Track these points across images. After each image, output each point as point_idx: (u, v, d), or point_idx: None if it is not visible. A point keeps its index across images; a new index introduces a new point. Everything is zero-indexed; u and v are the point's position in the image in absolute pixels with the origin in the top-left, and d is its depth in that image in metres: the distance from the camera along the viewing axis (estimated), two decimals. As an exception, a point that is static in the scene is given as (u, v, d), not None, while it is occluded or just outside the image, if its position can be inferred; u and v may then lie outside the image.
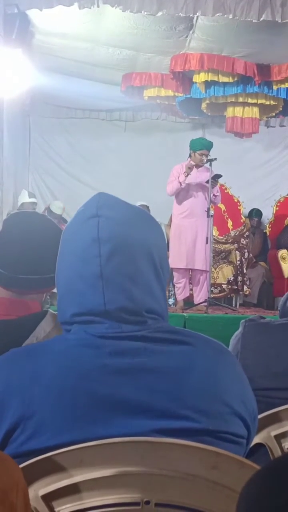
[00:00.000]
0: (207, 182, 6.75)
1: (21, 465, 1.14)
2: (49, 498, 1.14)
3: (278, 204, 9.47)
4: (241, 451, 1.26)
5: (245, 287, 8.02)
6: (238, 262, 8.09)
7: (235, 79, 7.56)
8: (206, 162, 6.86)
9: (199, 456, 1.14)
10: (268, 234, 9.38)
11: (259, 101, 8.02)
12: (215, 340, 1.32)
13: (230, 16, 5.76)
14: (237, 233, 8.61)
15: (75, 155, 10.01)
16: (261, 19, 5.73)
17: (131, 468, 1.14)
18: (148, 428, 1.16)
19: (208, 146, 6.97)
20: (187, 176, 6.75)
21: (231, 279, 8.03)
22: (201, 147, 6.92)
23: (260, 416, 1.42)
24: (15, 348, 1.29)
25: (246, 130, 8.33)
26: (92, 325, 1.22)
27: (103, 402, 1.16)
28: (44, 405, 1.16)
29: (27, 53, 6.90)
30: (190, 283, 7.23)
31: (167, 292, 1.40)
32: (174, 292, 7.29)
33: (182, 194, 6.92)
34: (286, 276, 8.37)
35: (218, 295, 7.91)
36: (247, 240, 8.47)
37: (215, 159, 6.83)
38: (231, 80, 7.54)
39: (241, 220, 9.13)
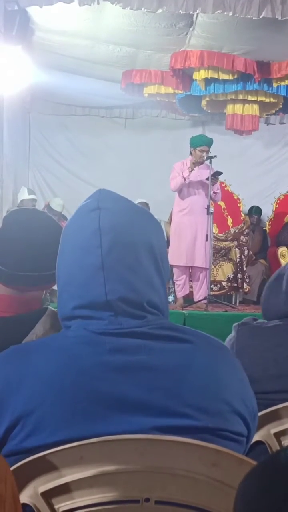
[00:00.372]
0: (207, 179, 6.75)
1: (21, 462, 1.14)
2: (48, 495, 1.14)
3: (278, 201, 9.47)
4: (241, 449, 1.26)
5: (244, 285, 8.02)
6: (238, 260, 8.09)
7: (235, 77, 7.55)
8: (206, 159, 6.86)
9: (199, 454, 1.14)
10: (268, 231, 9.38)
11: (259, 99, 8.01)
12: (215, 338, 1.32)
13: (230, 13, 5.75)
14: (237, 230, 8.61)
15: (75, 152, 10.01)
16: (261, 16, 5.72)
17: (131, 466, 1.14)
18: (148, 425, 1.16)
19: (209, 142, 6.97)
20: (191, 171, 6.75)
21: (231, 277, 8.03)
22: (201, 143, 6.92)
23: (259, 414, 1.41)
24: (15, 345, 1.29)
25: (246, 128, 8.32)
26: (92, 321, 1.22)
27: (103, 399, 1.16)
28: (44, 402, 1.16)
29: (27, 50, 6.90)
30: (190, 281, 7.23)
31: (167, 289, 1.40)
32: (174, 289, 7.29)
33: (182, 191, 6.93)
34: (286, 274, 8.36)
35: (218, 292, 7.91)
36: (247, 238, 8.47)
37: (215, 156, 6.83)
38: (231, 77, 7.53)
39: (241, 218, 9.13)
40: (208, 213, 6.73)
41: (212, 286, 7.32)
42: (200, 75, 7.52)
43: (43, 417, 1.16)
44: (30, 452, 1.15)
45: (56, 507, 1.15)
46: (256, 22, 6.00)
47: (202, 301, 6.86)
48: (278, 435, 1.58)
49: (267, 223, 9.46)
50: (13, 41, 6.31)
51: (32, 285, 1.75)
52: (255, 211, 9.41)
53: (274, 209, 9.45)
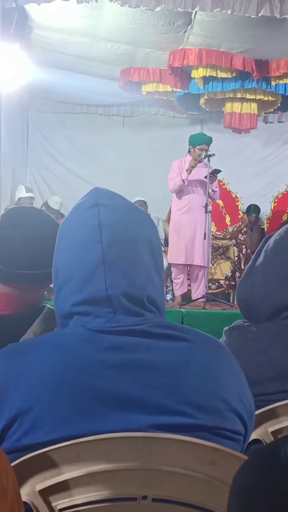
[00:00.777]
0: (205, 177, 6.75)
1: (18, 460, 1.14)
2: (46, 493, 1.14)
3: (276, 200, 9.47)
4: (238, 447, 1.26)
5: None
6: (236, 258, 8.10)
7: (234, 75, 7.55)
8: (205, 157, 6.85)
9: (196, 452, 1.14)
10: (266, 230, 9.38)
11: (258, 97, 8.00)
12: (212, 337, 1.32)
13: (229, 12, 5.75)
14: (235, 229, 8.61)
15: (73, 150, 10.00)
16: (260, 14, 5.72)
17: (129, 463, 1.14)
18: (146, 423, 1.16)
19: (208, 141, 6.97)
20: (189, 173, 6.75)
21: (229, 275, 8.03)
22: (200, 142, 6.92)
23: (257, 412, 1.42)
24: (13, 343, 1.29)
25: (244, 126, 8.32)
26: (90, 318, 1.22)
27: (100, 397, 1.16)
28: (42, 400, 1.16)
29: (25, 48, 6.89)
30: (188, 279, 7.23)
31: (165, 287, 1.40)
32: (172, 287, 7.29)
33: (181, 189, 6.92)
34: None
35: (216, 291, 7.91)
36: (245, 236, 8.47)
37: (213, 154, 6.83)
38: (229, 75, 7.52)
39: (239, 216, 9.12)
40: (206, 211, 6.73)
41: (210, 284, 7.32)
42: (198, 73, 7.51)
43: (41, 415, 1.16)
44: (28, 450, 1.15)
45: (53, 504, 1.15)
46: (255, 20, 6.00)
47: (200, 300, 6.86)
48: (276, 434, 1.58)
49: (265, 221, 9.46)
50: (11, 39, 6.30)
51: (30, 283, 1.75)
52: (253, 209, 9.42)
53: (272, 208, 9.46)
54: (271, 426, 1.57)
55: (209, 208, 6.79)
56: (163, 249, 7.21)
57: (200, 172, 6.85)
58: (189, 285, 7.23)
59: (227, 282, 8.04)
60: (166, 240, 7.72)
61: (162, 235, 8.21)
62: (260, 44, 6.95)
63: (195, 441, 1.14)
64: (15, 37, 6.33)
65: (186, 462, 1.14)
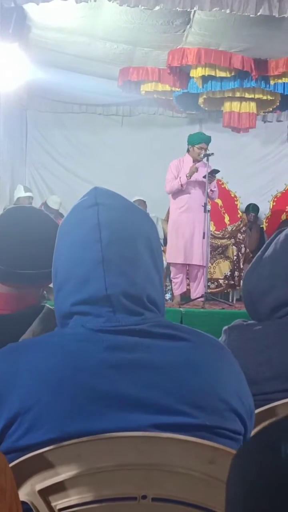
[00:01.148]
0: (204, 177, 6.75)
1: (18, 460, 1.14)
2: (46, 493, 1.14)
3: (275, 199, 9.47)
4: (238, 447, 1.26)
5: (241, 282, 8.01)
6: (235, 257, 8.10)
7: (232, 74, 7.55)
8: (203, 157, 6.85)
9: (196, 451, 1.14)
10: (265, 229, 9.39)
11: (256, 96, 8.01)
12: (212, 337, 1.33)
13: (228, 11, 5.75)
14: (234, 228, 8.61)
15: (72, 150, 10.00)
16: (259, 13, 5.72)
17: (128, 463, 1.14)
18: (145, 423, 1.16)
19: (207, 140, 6.97)
20: (189, 179, 6.76)
21: (228, 274, 8.04)
22: (199, 141, 6.92)
23: (256, 411, 1.42)
24: (12, 343, 1.29)
25: (243, 125, 8.32)
26: (90, 318, 1.22)
27: (100, 396, 1.16)
28: (41, 399, 1.16)
29: (24, 48, 6.89)
30: (187, 278, 7.23)
31: (164, 287, 1.40)
32: (171, 287, 7.29)
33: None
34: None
35: (215, 290, 7.91)
36: (244, 235, 8.47)
37: (212, 154, 6.83)
38: (228, 75, 7.53)
39: (238, 215, 9.13)
40: (205, 211, 6.73)
41: (209, 283, 7.32)
42: (197, 72, 7.51)
43: (40, 415, 1.16)
44: (28, 450, 1.15)
45: (53, 504, 1.15)
46: (254, 20, 6.00)
47: (199, 299, 6.86)
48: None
49: (264, 220, 9.46)
50: (10, 39, 6.30)
51: (29, 282, 1.74)
52: (252, 208, 9.42)
53: (271, 207, 9.46)
54: (271, 426, 1.56)
55: (208, 207, 6.80)
56: (162, 248, 7.20)
57: (199, 172, 6.85)
58: (188, 285, 7.23)
59: (226, 281, 8.04)
60: (165, 239, 7.72)
61: (161, 235, 8.21)
62: (259, 43, 6.95)
63: (194, 441, 1.15)
64: (13, 37, 6.33)
65: (186, 461, 1.14)
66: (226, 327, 1.77)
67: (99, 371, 1.18)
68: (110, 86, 8.40)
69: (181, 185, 6.77)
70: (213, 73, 7.48)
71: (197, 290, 7.00)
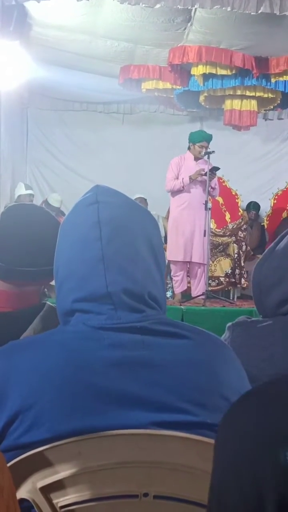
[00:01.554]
0: (205, 174, 6.75)
1: (19, 457, 1.14)
2: (47, 490, 1.14)
3: (276, 197, 9.47)
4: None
5: (242, 280, 8.02)
6: (236, 255, 8.09)
7: (233, 72, 7.54)
8: (204, 154, 6.85)
9: (197, 449, 1.14)
10: (266, 227, 9.38)
11: (257, 94, 8.00)
12: (213, 335, 1.32)
13: (229, 9, 5.74)
14: (235, 226, 8.60)
15: (72, 148, 10.00)
16: (260, 11, 5.72)
17: (130, 461, 1.14)
18: (147, 420, 1.16)
19: (208, 138, 6.97)
20: (192, 181, 6.76)
21: (229, 272, 8.03)
22: (200, 139, 6.92)
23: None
24: (13, 341, 1.29)
25: (244, 123, 8.32)
26: (91, 315, 1.22)
27: (101, 394, 1.16)
28: (43, 397, 1.16)
29: (25, 46, 6.89)
30: (188, 276, 7.23)
31: (165, 284, 1.40)
32: (172, 285, 7.29)
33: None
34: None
35: (216, 288, 7.91)
36: (244, 233, 8.47)
37: (213, 151, 6.83)
38: (229, 72, 7.52)
39: (239, 213, 9.12)
40: (206, 208, 6.73)
41: (210, 281, 7.32)
42: (198, 70, 7.51)
43: (42, 412, 1.16)
44: (29, 447, 1.15)
45: (54, 502, 1.15)
46: (255, 17, 5.99)
47: (200, 297, 6.86)
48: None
49: (265, 218, 9.46)
50: (11, 37, 6.30)
51: (30, 280, 1.75)
52: (253, 206, 9.41)
53: (272, 205, 9.46)
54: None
55: (209, 205, 6.80)
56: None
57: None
58: (189, 282, 7.23)
59: (227, 279, 8.04)
60: (166, 237, 7.72)
61: (162, 232, 8.21)
62: (260, 41, 6.95)
63: (195, 438, 1.15)
64: (14, 35, 6.33)
65: (187, 459, 1.14)
66: (230, 323, 1.77)
67: (101, 369, 1.18)
68: (111, 84, 8.39)
69: (183, 186, 6.78)
70: (214, 71, 7.48)
71: (198, 288, 7.00)
